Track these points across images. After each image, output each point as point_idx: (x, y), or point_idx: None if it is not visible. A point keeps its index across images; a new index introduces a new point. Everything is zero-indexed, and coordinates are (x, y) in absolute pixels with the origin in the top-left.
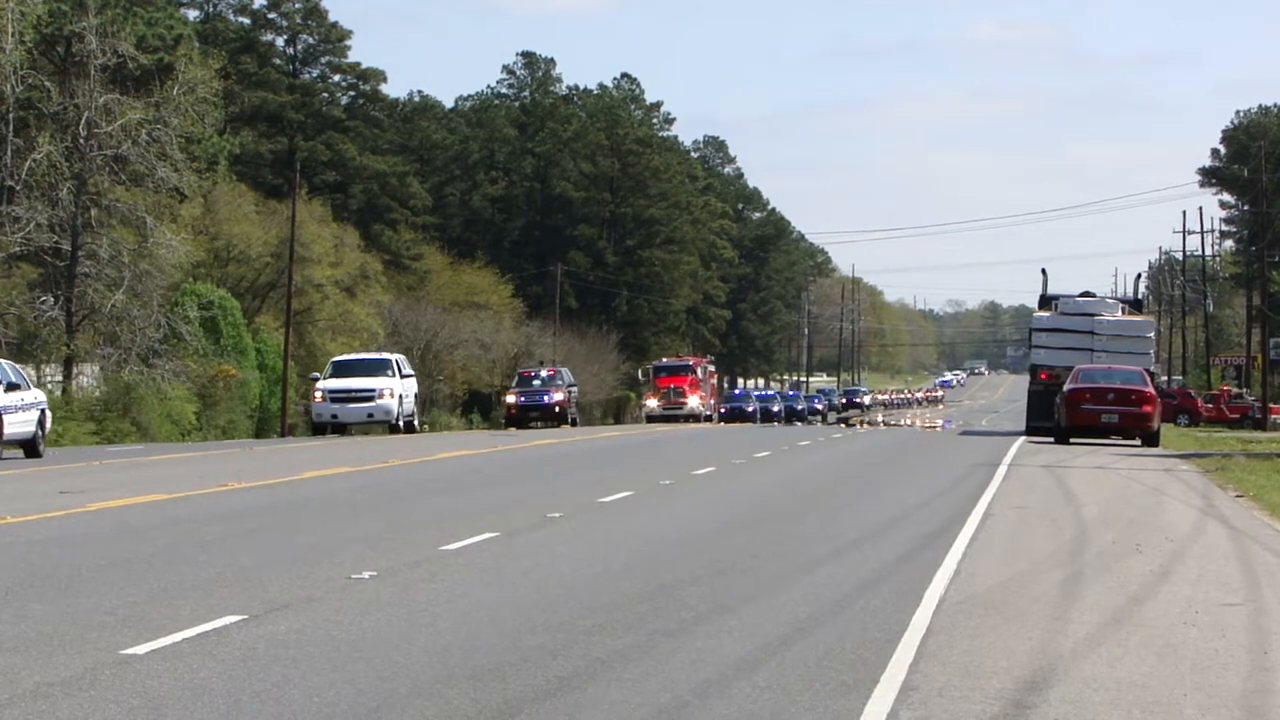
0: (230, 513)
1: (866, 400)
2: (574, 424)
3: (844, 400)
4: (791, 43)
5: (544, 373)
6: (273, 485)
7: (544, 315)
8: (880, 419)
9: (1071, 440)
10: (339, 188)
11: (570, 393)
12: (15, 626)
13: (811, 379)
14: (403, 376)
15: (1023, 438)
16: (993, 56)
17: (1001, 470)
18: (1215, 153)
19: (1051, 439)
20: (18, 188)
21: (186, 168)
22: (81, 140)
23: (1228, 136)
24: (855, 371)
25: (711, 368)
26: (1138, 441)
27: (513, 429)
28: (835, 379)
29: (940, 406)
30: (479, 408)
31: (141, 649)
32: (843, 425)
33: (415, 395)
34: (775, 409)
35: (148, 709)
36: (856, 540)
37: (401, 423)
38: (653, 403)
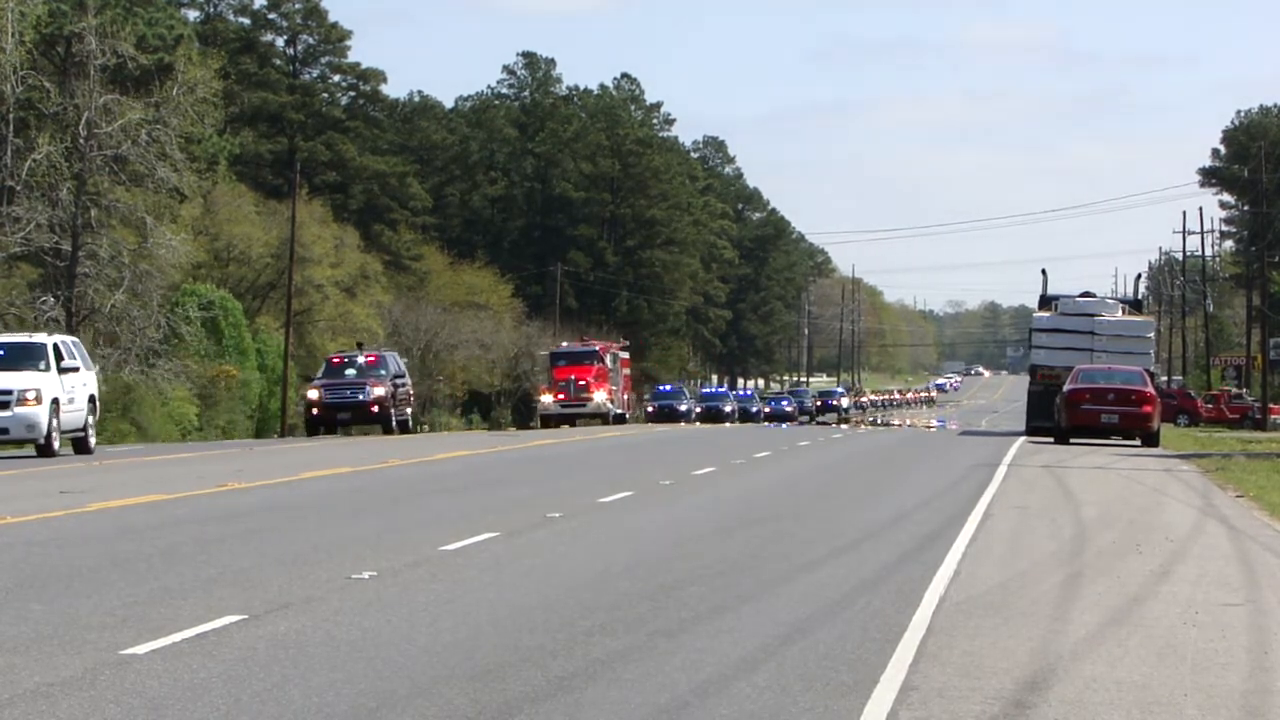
0: (230, 513)
1: (845, 403)
2: (404, 429)
3: (819, 403)
4: (791, 43)
5: (361, 359)
6: (273, 485)
7: (544, 315)
8: (862, 422)
9: (1071, 440)
10: (339, 188)
11: (398, 386)
12: (15, 627)
13: (812, 379)
14: (63, 370)
15: (1023, 438)
16: (992, 57)
17: (1001, 470)
18: (1215, 153)
19: (1051, 439)
20: (18, 188)
21: (186, 168)
22: (81, 140)
23: (1228, 136)
24: (855, 372)
25: (624, 355)
26: (1138, 442)
27: (320, 437)
28: (835, 379)
29: (934, 407)
30: (479, 408)
31: (141, 649)
32: (813, 425)
33: (93, 398)
34: (728, 409)
35: (148, 709)
36: (857, 540)
37: (55, 441)
38: (548, 398)
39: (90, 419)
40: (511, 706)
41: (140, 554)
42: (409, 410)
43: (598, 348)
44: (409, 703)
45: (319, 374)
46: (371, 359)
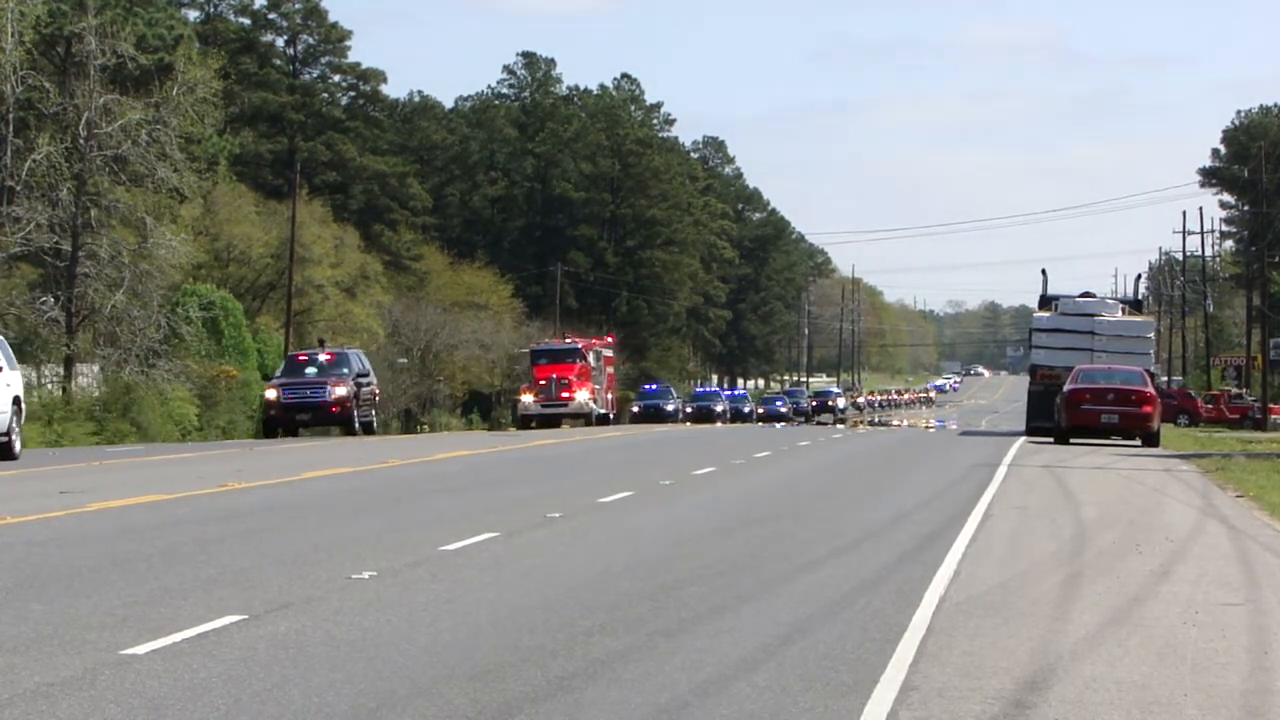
0: (230, 513)
1: (841, 403)
2: (368, 430)
3: (814, 403)
4: (791, 43)
5: (321, 356)
6: (273, 485)
7: (544, 315)
8: (860, 422)
9: (1071, 440)
10: (339, 188)
11: (361, 386)
12: (15, 627)
13: (812, 379)
14: None
15: (1023, 438)
16: (991, 57)
17: (1001, 471)
18: (1215, 153)
19: (1051, 439)
20: (18, 188)
21: (186, 168)
22: (81, 140)
23: (1228, 136)
24: (855, 372)
25: (608, 352)
26: (1138, 442)
27: (277, 439)
28: (835, 379)
29: (932, 407)
30: (479, 408)
31: (141, 649)
32: (811, 425)
33: (18, 400)
34: (719, 409)
35: (148, 709)
36: (857, 540)
37: None
38: (528, 398)
39: (15, 423)
40: (511, 706)
41: (140, 554)
42: (373, 411)
43: (580, 345)
44: (409, 703)
45: (279, 372)
46: (331, 356)
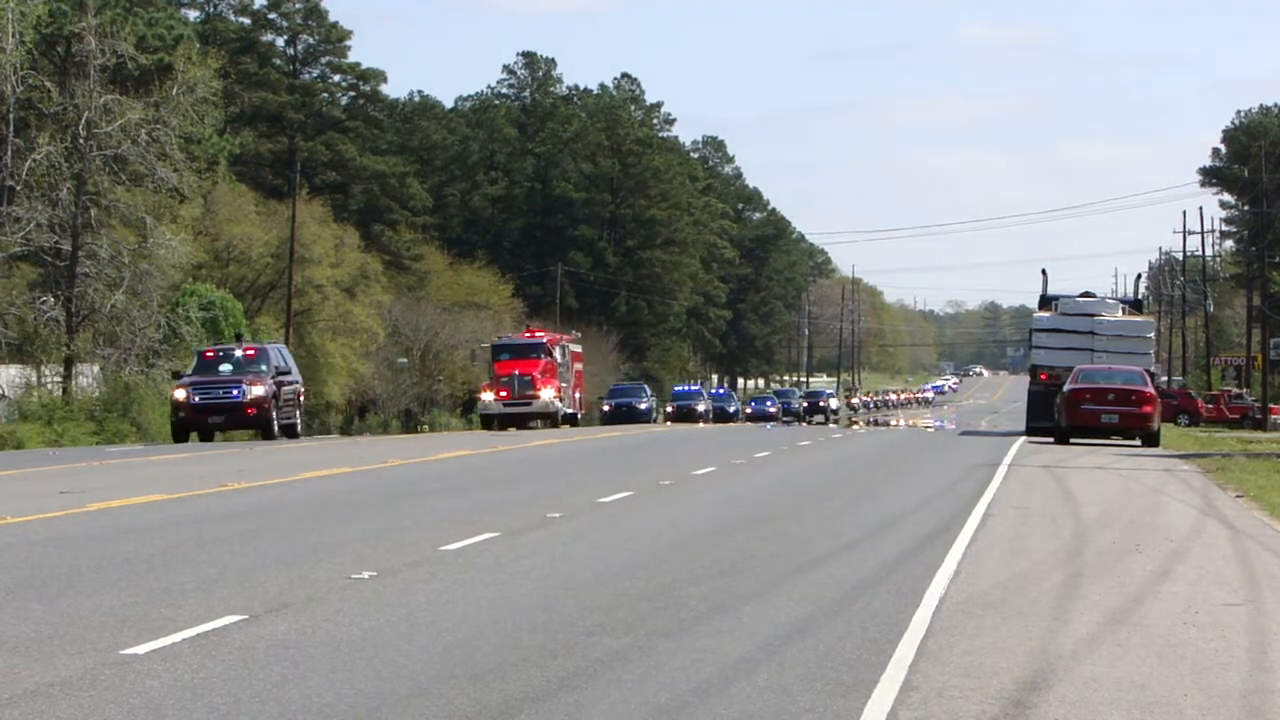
0: (230, 513)
1: (834, 404)
2: (290, 434)
3: (805, 404)
4: (790, 43)
5: (237, 352)
6: (273, 485)
7: (544, 315)
8: (857, 422)
9: (1071, 440)
10: (339, 188)
11: (281, 385)
12: (15, 626)
13: (812, 379)
14: None
15: (1023, 438)
16: (990, 57)
17: (1001, 471)
18: (1215, 153)
19: (1051, 439)
20: (18, 188)
21: (186, 168)
22: (81, 140)
23: (1228, 136)
24: (855, 372)
25: (576, 348)
26: (1138, 442)
27: (190, 444)
28: (835, 379)
29: (930, 407)
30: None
31: (141, 649)
32: (806, 426)
33: None
34: (701, 408)
35: (148, 709)
36: (856, 540)
37: None
38: (489, 396)
39: None
40: (511, 706)
41: (140, 554)
42: (298, 412)
43: (545, 340)
44: (409, 703)
45: (189, 369)
46: (250, 352)
